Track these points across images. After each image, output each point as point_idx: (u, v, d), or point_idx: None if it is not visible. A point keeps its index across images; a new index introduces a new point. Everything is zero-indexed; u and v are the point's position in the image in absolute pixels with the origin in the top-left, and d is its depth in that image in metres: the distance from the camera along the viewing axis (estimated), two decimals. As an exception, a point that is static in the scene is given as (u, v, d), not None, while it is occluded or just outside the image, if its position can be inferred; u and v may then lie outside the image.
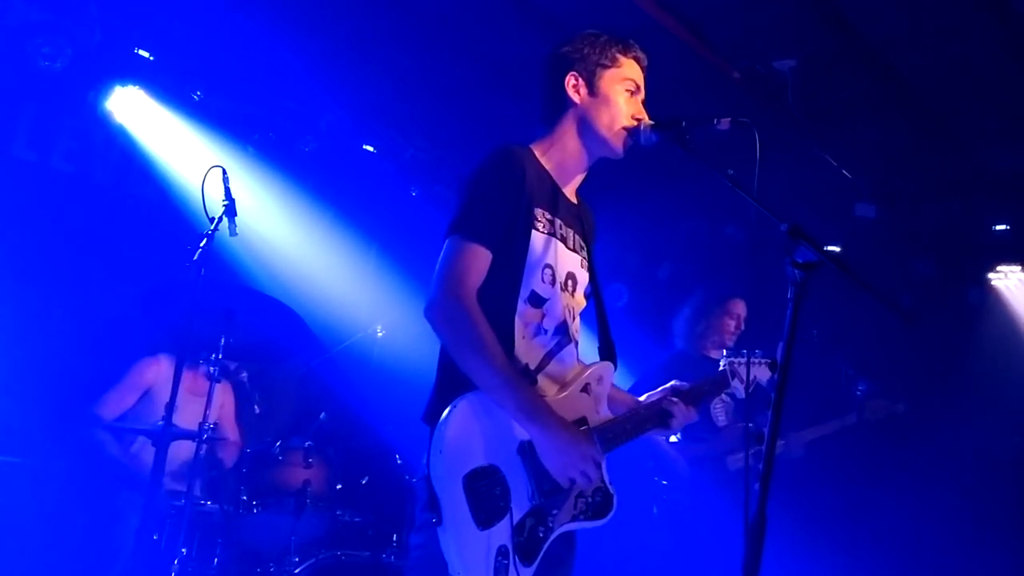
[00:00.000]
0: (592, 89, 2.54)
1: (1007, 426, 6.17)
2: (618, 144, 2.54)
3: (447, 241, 2.32)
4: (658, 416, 2.53)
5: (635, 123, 2.52)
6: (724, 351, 2.77)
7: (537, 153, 2.53)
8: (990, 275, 6.53)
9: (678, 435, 4.64)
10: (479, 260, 2.29)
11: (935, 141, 5.71)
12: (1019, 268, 6.44)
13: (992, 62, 4.84)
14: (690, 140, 2.45)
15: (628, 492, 4.72)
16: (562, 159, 2.55)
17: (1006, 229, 6.39)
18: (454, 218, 2.33)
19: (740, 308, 4.74)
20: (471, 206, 2.33)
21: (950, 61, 4.88)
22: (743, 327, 4.74)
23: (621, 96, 2.54)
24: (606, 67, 2.55)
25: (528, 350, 2.37)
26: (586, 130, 2.54)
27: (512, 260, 2.36)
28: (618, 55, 2.58)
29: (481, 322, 2.22)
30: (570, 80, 2.55)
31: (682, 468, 4.54)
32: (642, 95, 2.60)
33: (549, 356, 2.42)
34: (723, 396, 4.60)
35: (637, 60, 2.61)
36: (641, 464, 4.71)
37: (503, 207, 2.34)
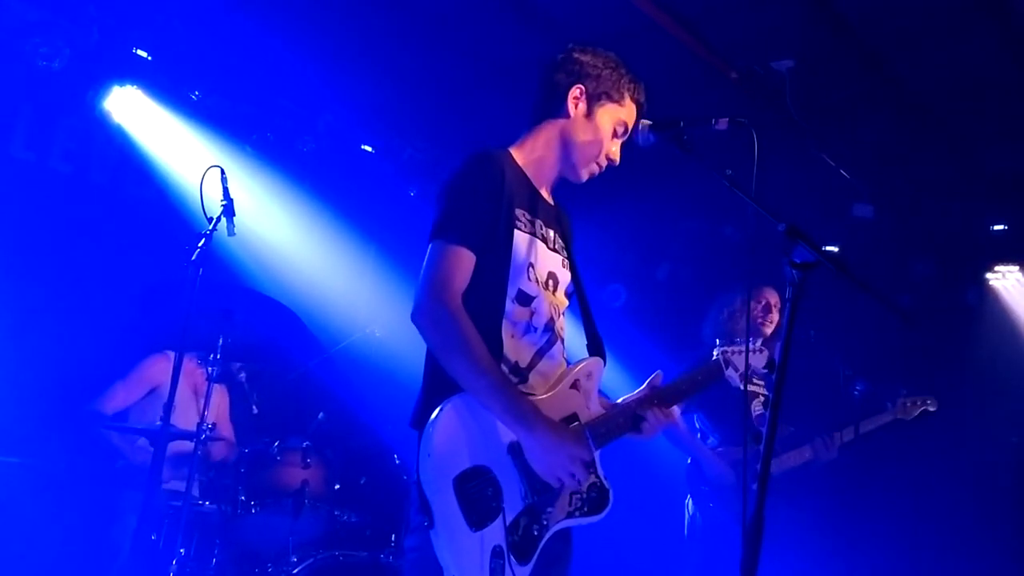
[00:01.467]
0: (589, 111, 2.55)
1: (1005, 426, 6.18)
2: (584, 174, 2.59)
3: (430, 245, 2.33)
4: (631, 420, 2.48)
5: (605, 163, 2.57)
6: (717, 340, 2.75)
7: (516, 156, 2.54)
8: (988, 275, 6.54)
9: (711, 439, 4.57)
10: (463, 263, 2.30)
11: (933, 142, 5.72)
12: (1017, 268, 6.46)
13: (990, 63, 4.85)
14: (688, 140, 2.45)
15: (664, 497, 4.69)
16: (541, 163, 2.57)
17: (1004, 229, 6.40)
18: (436, 222, 2.34)
19: (769, 295, 4.58)
20: (452, 209, 2.35)
21: (948, 62, 4.88)
22: (776, 316, 4.62)
23: (608, 134, 2.56)
24: (612, 100, 2.56)
25: (519, 349, 2.37)
26: (564, 145, 2.56)
27: (497, 260, 2.36)
28: (627, 95, 2.59)
29: (467, 325, 2.23)
30: (575, 92, 2.54)
31: (725, 472, 4.41)
32: (625, 138, 2.61)
33: (540, 354, 2.42)
34: (761, 397, 4.52)
35: (639, 106, 2.62)
36: (680, 469, 4.64)
37: (484, 209, 2.35)
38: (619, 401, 2.57)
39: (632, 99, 2.60)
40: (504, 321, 2.35)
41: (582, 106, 2.54)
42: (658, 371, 2.60)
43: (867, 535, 6.01)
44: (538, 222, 2.50)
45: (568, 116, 2.54)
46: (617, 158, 2.60)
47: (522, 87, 2.67)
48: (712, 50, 4.97)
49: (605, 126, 2.55)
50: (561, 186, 2.68)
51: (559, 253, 2.57)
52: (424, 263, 2.32)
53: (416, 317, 2.26)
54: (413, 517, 2.23)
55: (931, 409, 4.76)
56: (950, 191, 6.22)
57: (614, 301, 6.96)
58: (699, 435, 4.59)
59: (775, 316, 4.61)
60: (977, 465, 6.03)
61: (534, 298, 2.42)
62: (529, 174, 2.54)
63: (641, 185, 5.98)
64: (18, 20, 4.88)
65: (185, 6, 5.04)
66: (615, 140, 2.59)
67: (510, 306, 2.37)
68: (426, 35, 5.08)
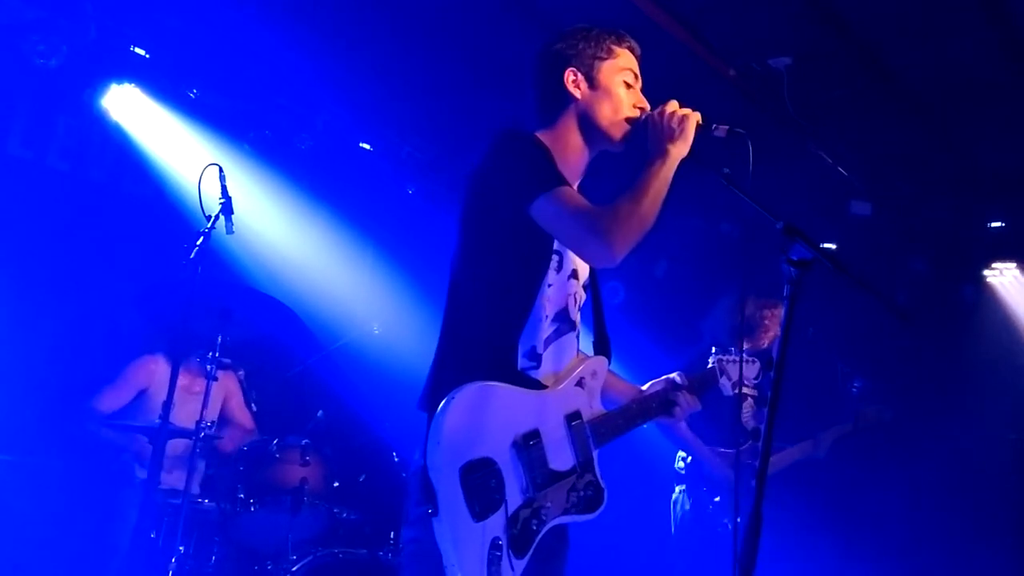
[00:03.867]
0: (592, 83, 2.53)
1: (1003, 423, 6.19)
2: (619, 136, 2.53)
3: (540, 201, 2.28)
4: (661, 405, 2.57)
5: (637, 112, 2.52)
6: (713, 348, 2.79)
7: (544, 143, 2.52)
8: (985, 272, 6.55)
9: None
10: (576, 196, 2.34)
11: (930, 139, 5.73)
12: (1014, 265, 6.46)
13: (987, 60, 4.86)
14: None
15: (648, 491, 4.72)
16: (566, 153, 2.54)
17: (1001, 226, 6.41)
18: (528, 181, 2.31)
19: (781, 314, 4.65)
20: (532, 163, 2.35)
21: (945, 59, 4.89)
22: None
23: (620, 87, 2.54)
24: (603, 59, 2.55)
25: (535, 333, 2.37)
26: (588, 125, 2.53)
27: (541, 240, 2.36)
28: (613, 46, 2.57)
29: (612, 207, 2.27)
30: (569, 76, 2.53)
31: (727, 473, 4.45)
32: (640, 84, 2.60)
33: (548, 342, 2.42)
34: (750, 399, 4.53)
35: (631, 50, 2.61)
36: (661, 462, 4.66)
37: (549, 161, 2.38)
38: (644, 388, 2.63)
39: (621, 47, 2.58)
40: (539, 301, 2.36)
41: (583, 83, 2.53)
42: (678, 371, 2.66)
43: (865, 532, 6.02)
44: None
45: (575, 100, 2.53)
46: (646, 104, 2.56)
47: (521, 85, 2.67)
48: (710, 48, 4.97)
49: (614, 85, 2.53)
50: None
51: None
52: (555, 219, 2.29)
53: (607, 251, 2.25)
54: (411, 509, 2.23)
55: (884, 419, 4.79)
56: (948, 188, 6.23)
57: (612, 298, 6.96)
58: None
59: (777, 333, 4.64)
60: (975, 462, 6.04)
61: (551, 286, 2.42)
62: (558, 163, 2.52)
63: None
64: (16, 18, 4.87)
65: (183, 4, 5.04)
66: (632, 91, 2.56)
67: (544, 289, 2.38)
68: (424, 33, 5.08)
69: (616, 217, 2.25)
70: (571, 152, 2.55)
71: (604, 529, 2.60)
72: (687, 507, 4.55)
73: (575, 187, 2.58)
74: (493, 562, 2.13)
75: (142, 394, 4.69)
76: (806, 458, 4.66)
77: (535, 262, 2.37)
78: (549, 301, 2.41)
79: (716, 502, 4.47)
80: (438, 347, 2.37)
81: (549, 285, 2.41)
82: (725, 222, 6.78)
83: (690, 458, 4.53)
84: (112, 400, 4.64)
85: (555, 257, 2.42)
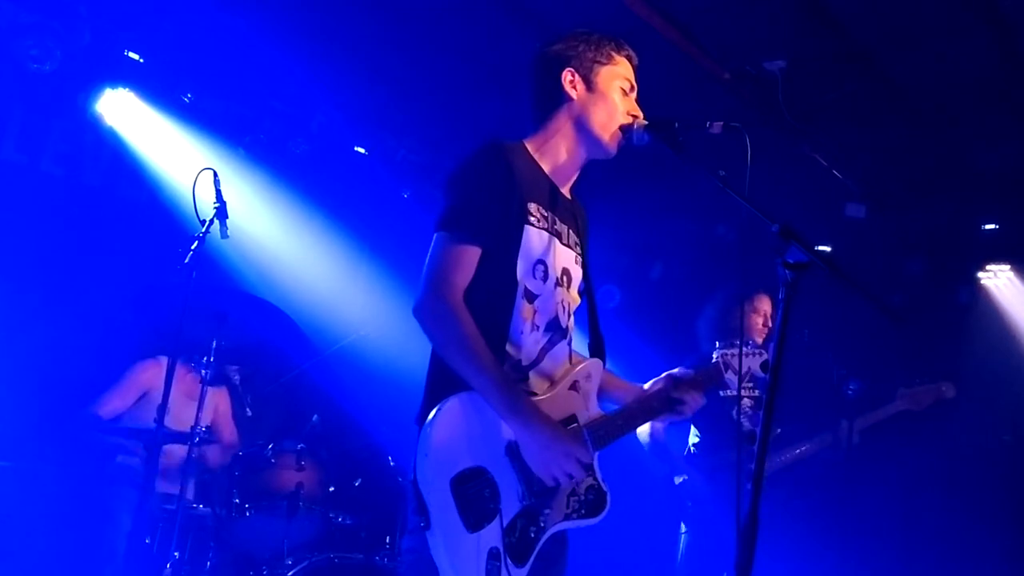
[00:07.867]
0: (589, 86, 2.54)
1: (997, 425, 6.19)
2: (612, 143, 2.54)
3: (435, 236, 2.32)
4: (664, 403, 2.54)
5: (631, 120, 2.52)
6: (717, 343, 2.75)
7: (531, 149, 2.52)
8: (980, 274, 6.56)
9: (697, 440, 4.58)
10: (466, 258, 2.29)
11: (924, 141, 5.74)
12: (1008, 267, 6.47)
13: (981, 62, 4.87)
14: (682, 141, 2.45)
15: (648, 498, 4.70)
16: (557, 156, 2.54)
17: (995, 228, 6.42)
18: (441, 215, 2.33)
19: (766, 304, 4.57)
20: (458, 202, 2.34)
21: (939, 61, 4.90)
22: (771, 323, 4.59)
23: (617, 93, 2.54)
24: (602, 64, 2.56)
25: (523, 346, 2.36)
26: (581, 127, 2.53)
27: (507, 256, 2.35)
28: (612, 52, 2.58)
29: (467, 321, 2.23)
30: (567, 76, 2.54)
31: (699, 482, 4.43)
32: (635, 94, 2.60)
33: (542, 353, 2.41)
34: (749, 399, 4.49)
35: (629, 59, 2.62)
36: (659, 470, 4.64)
37: (491, 202, 2.33)
38: (645, 387, 2.59)
39: (620, 54, 2.59)
40: (515, 316, 2.35)
41: (580, 84, 2.54)
42: (678, 367, 2.63)
43: (858, 534, 6.01)
44: (553, 217, 2.48)
45: (571, 100, 2.54)
46: (639, 112, 2.56)
47: (515, 88, 2.68)
48: (704, 51, 4.98)
49: (610, 90, 2.54)
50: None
51: (573, 249, 2.55)
52: (428, 255, 2.31)
53: (418, 312, 2.27)
54: (410, 518, 2.22)
55: (948, 396, 4.54)
56: (942, 190, 6.24)
57: (608, 302, 6.96)
58: (691, 438, 4.61)
59: (770, 323, 4.62)
60: (969, 463, 6.04)
61: (538, 296, 2.41)
62: (546, 168, 2.52)
63: (635, 185, 5.99)
64: (9, 22, 4.86)
65: (177, 8, 5.03)
66: (627, 98, 2.57)
67: (519, 302, 2.36)
68: (419, 36, 5.08)
69: (442, 317, 2.23)
70: (563, 153, 2.55)
71: (604, 531, 2.59)
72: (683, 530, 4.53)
73: (566, 189, 2.59)
74: (492, 572, 2.12)
75: (145, 397, 4.68)
76: (825, 452, 4.58)
77: (504, 275, 2.35)
78: (538, 312, 2.40)
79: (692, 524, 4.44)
80: (429, 362, 2.36)
81: (536, 296, 2.40)
82: (720, 225, 6.78)
83: (677, 478, 4.51)
84: (115, 403, 4.64)
85: (539, 267, 2.41)
